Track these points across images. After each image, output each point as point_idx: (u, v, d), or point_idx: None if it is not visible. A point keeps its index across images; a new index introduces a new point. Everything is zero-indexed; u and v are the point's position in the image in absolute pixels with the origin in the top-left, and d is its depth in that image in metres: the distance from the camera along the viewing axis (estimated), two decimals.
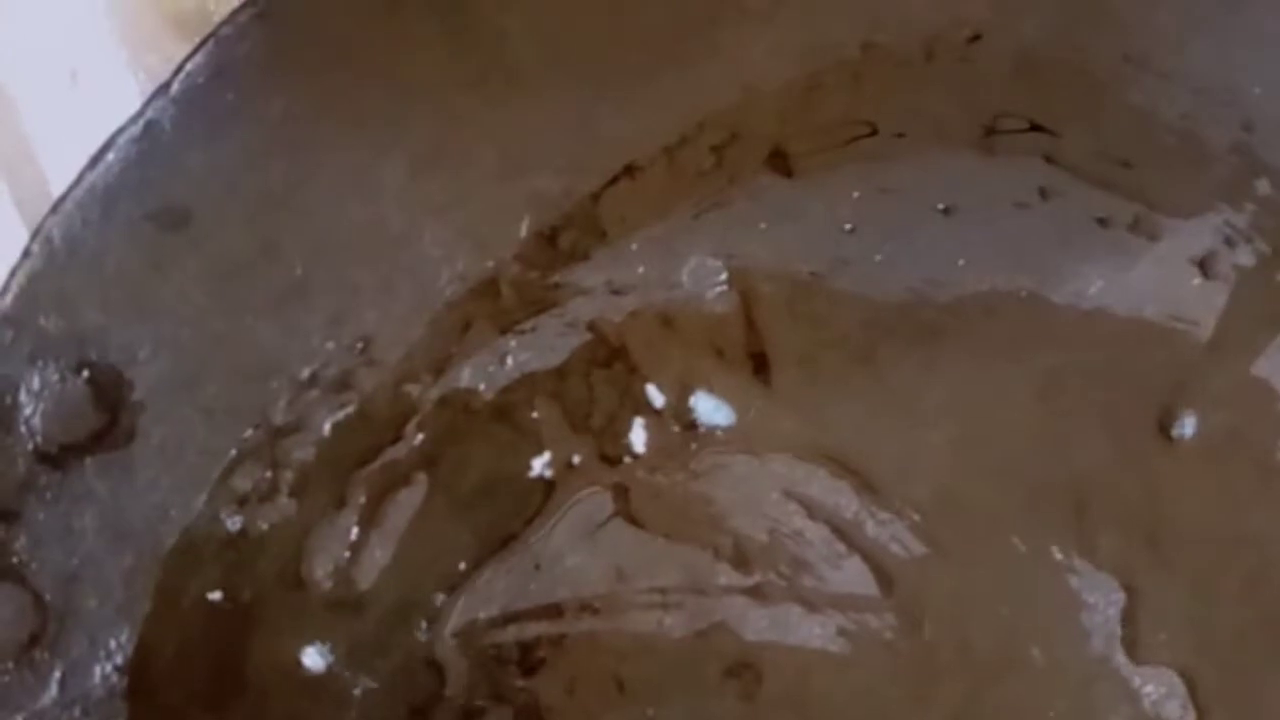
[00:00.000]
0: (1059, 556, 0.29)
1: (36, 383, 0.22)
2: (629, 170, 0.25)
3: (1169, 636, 0.29)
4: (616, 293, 0.25)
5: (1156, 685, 0.29)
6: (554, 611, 0.26)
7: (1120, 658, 0.28)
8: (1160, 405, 0.29)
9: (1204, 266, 0.29)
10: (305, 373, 0.23)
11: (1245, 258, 0.28)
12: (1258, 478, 0.29)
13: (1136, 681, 0.28)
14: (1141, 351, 0.29)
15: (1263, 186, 0.28)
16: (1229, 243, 0.28)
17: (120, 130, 0.21)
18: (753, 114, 0.25)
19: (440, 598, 0.25)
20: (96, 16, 0.26)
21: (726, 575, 0.27)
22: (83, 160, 0.23)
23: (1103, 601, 0.29)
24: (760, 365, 0.26)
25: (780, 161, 0.25)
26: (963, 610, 0.28)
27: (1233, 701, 0.29)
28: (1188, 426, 0.29)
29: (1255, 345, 0.29)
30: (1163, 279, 0.29)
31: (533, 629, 0.25)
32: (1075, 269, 0.28)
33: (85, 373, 0.22)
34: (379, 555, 0.24)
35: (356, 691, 0.24)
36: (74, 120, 0.25)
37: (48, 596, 0.22)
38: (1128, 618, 0.28)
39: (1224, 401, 0.29)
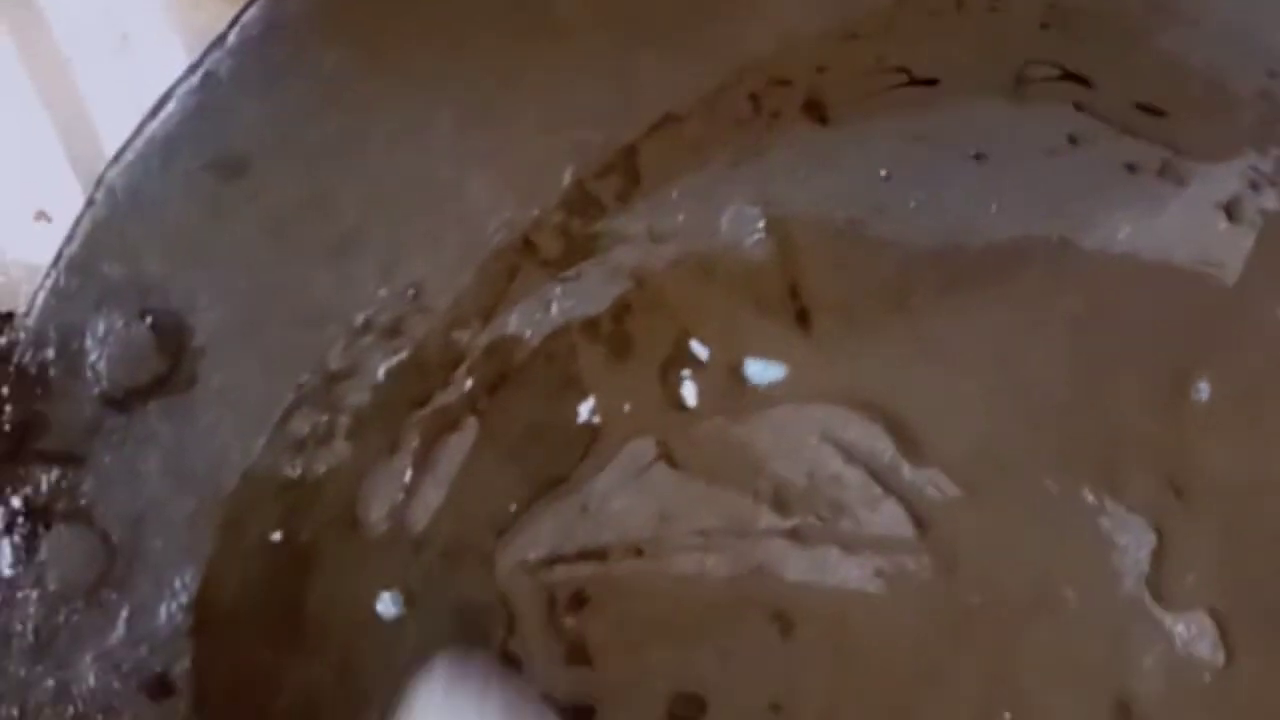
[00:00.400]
0: (1090, 499, 0.29)
1: (101, 329, 0.22)
2: (668, 119, 0.25)
3: (1199, 578, 0.29)
4: (657, 240, 0.26)
5: (1188, 625, 0.29)
6: (600, 553, 0.26)
7: (1151, 599, 0.29)
8: (1189, 350, 0.29)
9: (1230, 211, 0.29)
10: (359, 319, 0.24)
11: (1271, 202, 0.29)
12: None
13: (1168, 622, 0.29)
14: (1170, 296, 0.29)
15: None
16: (1254, 187, 0.29)
17: (179, 81, 0.22)
18: (789, 62, 0.25)
19: (491, 539, 0.25)
20: None
21: (766, 518, 0.28)
22: (135, 119, 0.24)
23: (1134, 544, 0.29)
24: (800, 313, 0.27)
25: (816, 110, 0.26)
26: (996, 552, 0.29)
27: (1263, 642, 0.29)
28: (1215, 372, 0.30)
29: None
30: (1190, 224, 0.29)
31: (580, 570, 0.26)
32: (1105, 215, 0.29)
33: (148, 319, 0.22)
34: (432, 498, 0.25)
35: (411, 629, 0.25)
36: (125, 81, 0.26)
37: (115, 537, 0.23)
38: (1158, 559, 0.29)
39: (1251, 344, 0.29)
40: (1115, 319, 0.29)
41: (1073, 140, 0.28)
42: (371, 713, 0.24)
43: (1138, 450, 0.29)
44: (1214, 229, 0.29)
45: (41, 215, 0.25)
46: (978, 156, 0.27)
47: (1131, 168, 0.28)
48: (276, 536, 0.24)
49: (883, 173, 0.27)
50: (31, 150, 0.26)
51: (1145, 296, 0.29)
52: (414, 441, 0.25)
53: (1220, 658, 0.29)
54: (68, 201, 0.26)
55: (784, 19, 0.25)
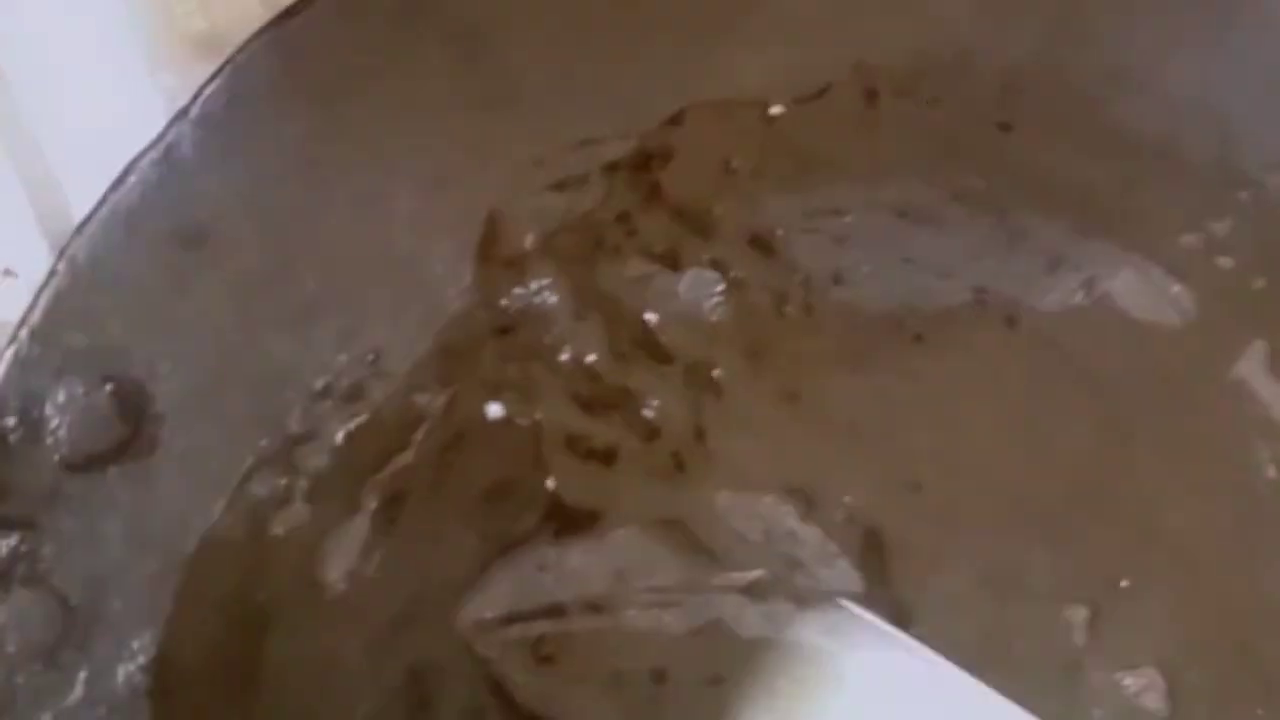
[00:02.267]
0: (1043, 554, 0.30)
1: (62, 396, 0.22)
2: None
3: (1148, 631, 0.30)
4: None
5: (1136, 678, 0.30)
6: (558, 611, 0.27)
7: (1101, 653, 0.30)
8: (1144, 405, 0.30)
9: (1183, 274, 0.30)
10: (319, 384, 0.24)
11: (1225, 264, 0.29)
12: (1238, 480, 0.30)
13: (1118, 675, 0.30)
14: (1122, 354, 0.30)
15: (1243, 197, 0.29)
16: (1208, 250, 0.29)
17: (141, 154, 0.22)
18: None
19: (449, 598, 0.26)
20: (114, 41, 0.26)
21: (722, 575, 0.28)
22: (101, 176, 0.24)
23: (1085, 597, 0.30)
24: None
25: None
26: (950, 607, 0.29)
27: (1208, 692, 0.30)
28: (1165, 425, 0.30)
29: (1233, 350, 0.30)
30: (1143, 287, 0.30)
31: (538, 627, 0.26)
32: (1060, 278, 0.29)
33: (109, 386, 0.23)
34: (390, 558, 0.25)
35: (369, 687, 0.25)
36: (95, 142, 0.26)
37: (74, 601, 0.23)
38: (1109, 614, 0.30)
39: (1202, 406, 0.30)
40: (1071, 375, 0.30)
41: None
42: None
43: (1092, 504, 0.30)
44: (1167, 291, 0.30)
45: (7, 273, 0.26)
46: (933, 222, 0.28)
47: (1084, 232, 0.29)
48: (235, 597, 0.24)
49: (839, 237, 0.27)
50: None
51: (1098, 353, 0.30)
52: (373, 503, 0.25)
53: (1167, 709, 0.29)
54: (34, 258, 0.26)
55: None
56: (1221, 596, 0.30)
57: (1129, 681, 0.30)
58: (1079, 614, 0.30)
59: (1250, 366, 0.30)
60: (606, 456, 0.26)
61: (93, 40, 0.27)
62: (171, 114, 0.24)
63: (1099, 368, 0.30)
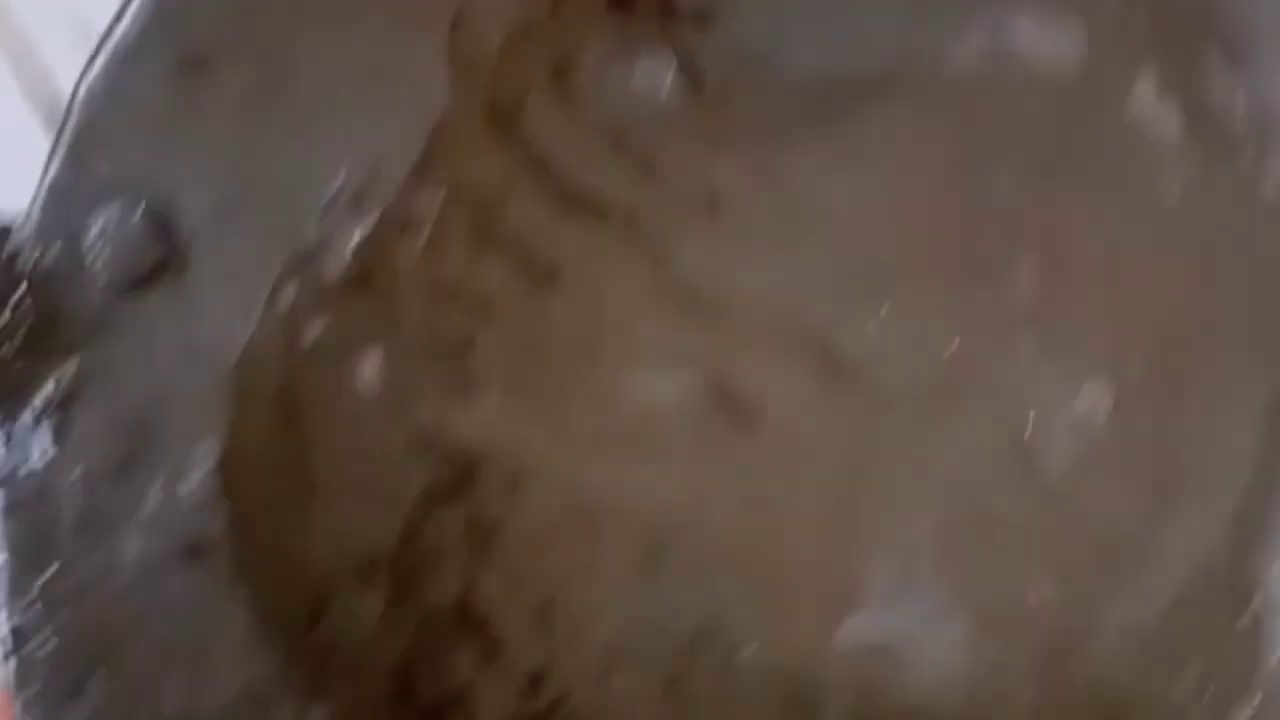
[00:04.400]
0: (984, 290, 0.33)
1: (100, 223, 0.24)
2: None
3: (1090, 343, 0.33)
4: None
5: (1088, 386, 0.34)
6: None
7: (1049, 366, 0.33)
8: (1057, 148, 0.33)
9: (1075, 12, 0.33)
10: (328, 193, 0.26)
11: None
12: (1147, 204, 0.33)
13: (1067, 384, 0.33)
14: (1031, 103, 0.33)
15: None
16: None
17: None
18: None
19: None
20: None
21: None
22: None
23: (1027, 320, 0.33)
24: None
25: None
26: (901, 348, 0.33)
27: (1149, 395, 0.33)
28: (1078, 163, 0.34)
29: (1127, 80, 0.33)
30: (1040, 30, 0.33)
31: None
32: (968, 33, 0.32)
33: (140, 210, 0.24)
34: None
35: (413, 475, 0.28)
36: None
37: (136, 417, 0.25)
38: (1053, 329, 0.33)
39: (1107, 138, 0.33)
40: (987, 130, 0.33)
41: None
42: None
43: (1029, 239, 0.33)
44: (1060, 33, 0.33)
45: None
46: None
47: None
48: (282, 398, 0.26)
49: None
50: None
51: (1010, 104, 0.33)
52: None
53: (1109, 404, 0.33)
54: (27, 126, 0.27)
55: None
56: (1146, 314, 0.34)
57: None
58: (1026, 342, 0.33)
59: (1143, 94, 0.34)
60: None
61: None
62: None
63: (1013, 119, 0.33)
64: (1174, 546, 0.33)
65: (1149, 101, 0.34)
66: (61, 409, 0.24)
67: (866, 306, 0.32)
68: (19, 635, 0.24)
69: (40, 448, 0.24)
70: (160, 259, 0.24)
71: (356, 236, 0.26)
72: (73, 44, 0.27)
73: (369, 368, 0.27)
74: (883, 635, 0.32)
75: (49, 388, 0.24)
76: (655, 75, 0.29)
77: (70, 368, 0.24)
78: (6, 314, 0.23)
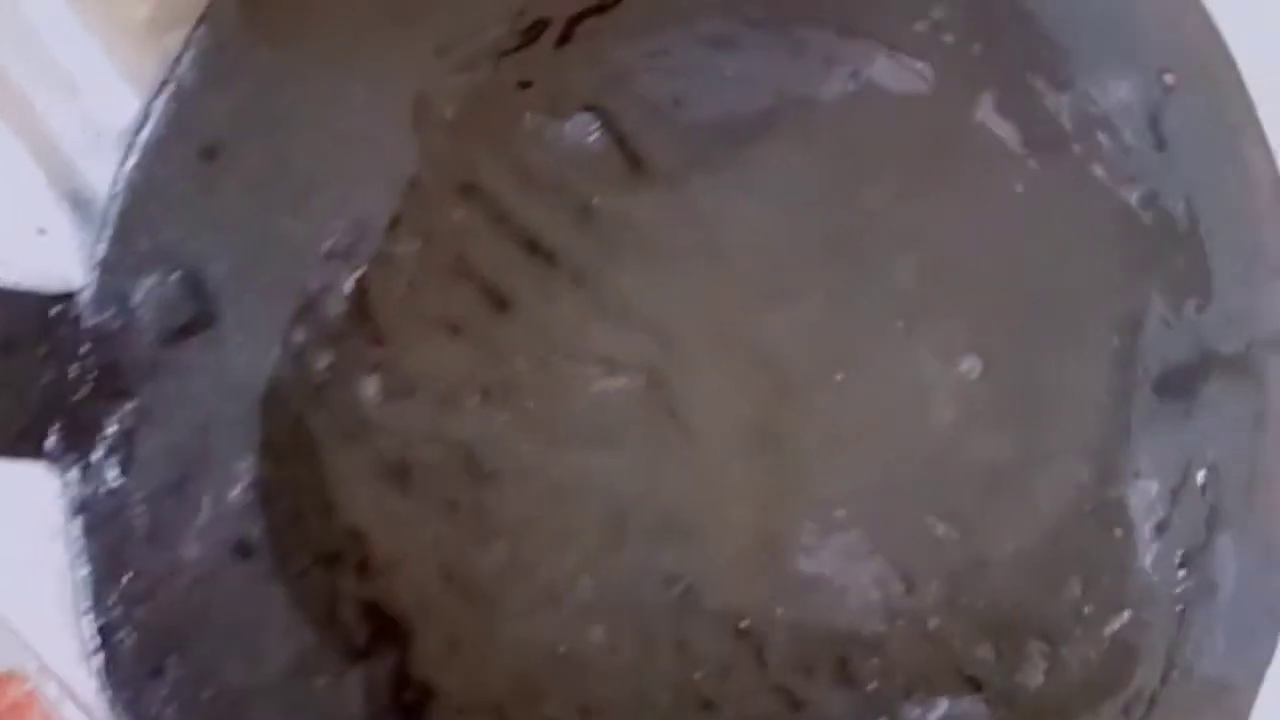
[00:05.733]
0: (872, 285, 0.39)
1: (143, 288, 0.29)
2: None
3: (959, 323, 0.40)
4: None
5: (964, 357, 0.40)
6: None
7: (927, 344, 0.39)
8: (921, 160, 0.39)
9: (922, 53, 0.39)
10: (325, 248, 0.32)
11: (949, 39, 0.39)
12: (999, 200, 0.40)
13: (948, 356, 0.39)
14: (892, 124, 0.39)
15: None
16: (935, 31, 0.39)
17: (155, 94, 0.29)
18: None
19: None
20: (76, 37, 0.33)
21: None
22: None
23: (904, 311, 0.39)
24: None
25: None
26: (804, 339, 0.38)
27: (1016, 357, 0.40)
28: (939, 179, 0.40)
29: (971, 102, 0.40)
30: (895, 68, 0.39)
31: None
32: (834, 73, 0.39)
33: (176, 275, 0.30)
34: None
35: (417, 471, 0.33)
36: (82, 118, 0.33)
37: (184, 443, 0.30)
38: (928, 313, 0.39)
39: (962, 150, 0.40)
40: (861, 147, 0.39)
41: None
42: None
43: (904, 245, 0.39)
44: (912, 68, 0.39)
45: (41, 231, 0.32)
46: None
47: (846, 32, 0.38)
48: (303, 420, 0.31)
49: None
50: (11, 179, 0.32)
51: (876, 125, 0.39)
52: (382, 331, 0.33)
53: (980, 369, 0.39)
54: (58, 217, 0.32)
55: None
56: (1005, 290, 0.40)
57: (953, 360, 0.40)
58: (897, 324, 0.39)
59: (985, 112, 0.41)
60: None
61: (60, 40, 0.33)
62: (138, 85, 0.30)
63: (880, 138, 0.39)
64: (1047, 480, 0.39)
65: (991, 116, 0.41)
66: (125, 443, 0.29)
67: (774, 307, 0.38)
68: (105, 633, 0.29)
69: (110, 477, 0.29)
70: (194, 314, 0.30)
71: (350, 282, 0.32)
72: (91, 142, 0.32)
73: (369, 387, 0.32)
74: (813, 577, 0.38)
75: (113, 426, 0.29)
76: (583, 129, 0.36)
77: (129, 408, 0.29)
78: (76, 367, 0.29)
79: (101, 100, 0.32)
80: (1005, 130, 0.40)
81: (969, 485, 0.39)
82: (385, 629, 0.32)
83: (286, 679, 0.30)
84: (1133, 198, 0.40)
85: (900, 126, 0.39)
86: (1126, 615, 0.39)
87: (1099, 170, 0.40)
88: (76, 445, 0.29)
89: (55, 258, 0.31)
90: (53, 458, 0.29)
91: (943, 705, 0.38)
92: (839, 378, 0.38)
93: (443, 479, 0.33)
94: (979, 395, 0.39)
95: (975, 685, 0.38)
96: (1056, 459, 0.40)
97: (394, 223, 0.32)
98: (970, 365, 0.40)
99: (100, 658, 0.29)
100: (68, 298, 0.29)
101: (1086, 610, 0.39)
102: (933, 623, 0.38)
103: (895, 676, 0.38)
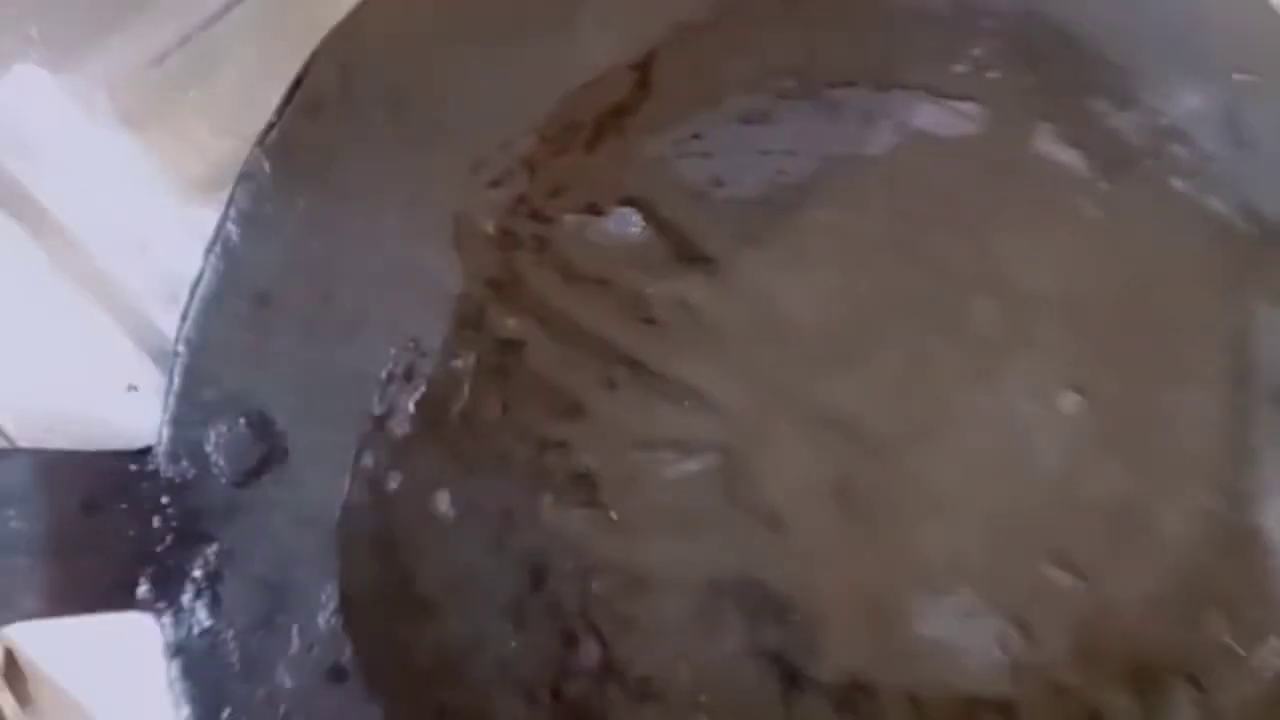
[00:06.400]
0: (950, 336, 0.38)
1: (214, 436, 0.31)
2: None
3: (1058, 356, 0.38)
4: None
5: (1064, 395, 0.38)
6: None
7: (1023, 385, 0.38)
8: (984, 198, 0.39)
9: (968, 94, 0.39)
10: (383, 373, 0.33)
11: (995, 76, 0.38)
12: (1070, 224, 0.38)
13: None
14: (950, 168, 0.39)
15: (985, 24, 0.38)
16: (978, 69, 0.38)
17: (209, 249, 0.31)
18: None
19: None
20: (141, 197, 0.36)
21: None
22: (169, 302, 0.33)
23: (995, 350, 0.38)
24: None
25: None
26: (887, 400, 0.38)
27: (1120, 389, 0.38)
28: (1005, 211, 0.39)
29: (1026, 135, 0.39)
30: (941, 113, 0.39)
31: None
32: (877, 128, 0.38)
33: (243, 420, 0.31)
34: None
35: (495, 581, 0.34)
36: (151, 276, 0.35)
37: (270, 578, 0.31)
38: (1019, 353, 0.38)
39: (1026, 183, 0.38)
40: (920, 196, 0.38)
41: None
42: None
43: (977, 284, 0.38)
44: (959, 111, 0.39)
45: (131, 388, 0.34)
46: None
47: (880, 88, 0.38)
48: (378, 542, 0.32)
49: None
50: (98, 340, 0.35)
51: (934, 171, 0.38)
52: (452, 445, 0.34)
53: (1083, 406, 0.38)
54: (146, 372, 0.34)
55: None
56: (1095, 319, 0.38)
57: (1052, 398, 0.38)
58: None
59: (1044, 142, 0.39)
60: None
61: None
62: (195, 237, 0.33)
63: (936, 186, 0.39)
64: (1172, 512, 0.37)
65: (1051, 146, 0.40)
66: (212, 584, 0.30)
67: (845, 373, 0.37)
68: None
69: (201, 618, 0.30)
70: (265, 454, 0.31)
71: (412, 403, 0.33)
72: (168, 298, 0.35)
73: (442, 501, 0.33)
74: (927, 641, 0.36)
75: (199, 570, 0.30)
76: (625, 222, 0.36)
77: (212, 551, 0.31)
78: (158, 518, 0.30)
79: (172, 257, 0.35)
80: (1069, 156, 0.39)
81: (1084, 528, 0.37)
82: None
83: None
84: (1220, 205, 0.38)
85: (956, 170, 0.38)
86: (1272, 641, 0.36)
87: (1178, 183, 0.39)
88: (166, 592, 0.30)
89: (148, 411, 0.33)
90: (145, 606, 0.30)
91: None
92: (926, 434, 0.37)
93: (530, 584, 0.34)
94: (1084, 432, 0.38)
95: None
96: (1179, 489, 0.37)
97: (448, 340, 0.33)
98: (1070, 402, 0.38)
99: None
100: (145, 452, 0.31)
101: (1233, 646, 0.37)
102: (1064, 676, 0.36)
103: None
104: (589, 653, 0.33)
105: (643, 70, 0.35)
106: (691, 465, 0.36)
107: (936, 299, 0.38)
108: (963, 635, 0.37)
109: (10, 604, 0.28)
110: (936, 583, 0.37)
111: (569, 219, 0.35)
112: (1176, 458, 0.38)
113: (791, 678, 0.35)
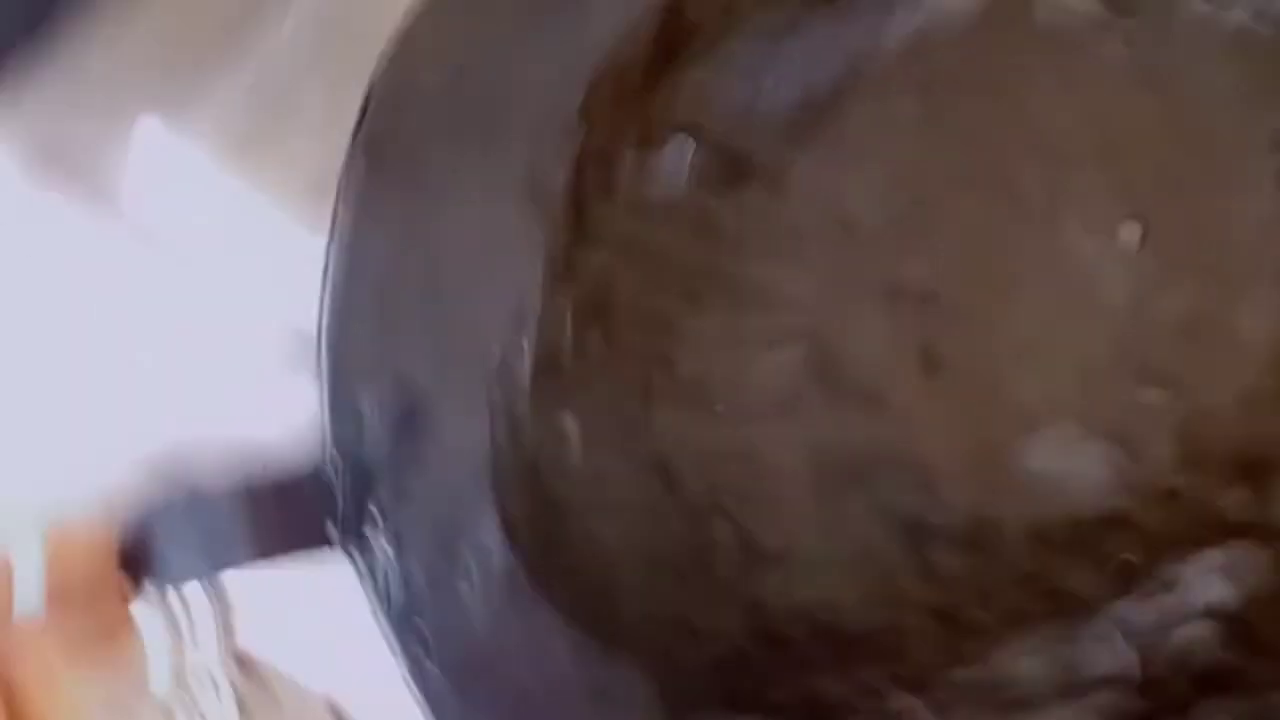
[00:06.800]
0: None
1: (366, 396, 0.35)
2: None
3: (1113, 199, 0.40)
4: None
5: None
6: None
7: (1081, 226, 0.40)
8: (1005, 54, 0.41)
9: None
10: (496, 323, 0.37)
11: None
12: (1103, 74, 0.41)
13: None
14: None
15: None
16: None
17: (328, 245, 0.36)
18: None
19: None
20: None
21: None
22: None
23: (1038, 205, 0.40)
24: None
25: None
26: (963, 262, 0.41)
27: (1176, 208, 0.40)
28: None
29: None
30: None
31: None
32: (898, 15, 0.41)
33: (388, 380, 0.35)
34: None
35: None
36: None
37: (437, 511, 0.35)
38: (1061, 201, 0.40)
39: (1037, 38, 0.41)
40: (944, 72, 0.41)
41: None
42: None
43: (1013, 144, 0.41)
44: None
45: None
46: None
47: None
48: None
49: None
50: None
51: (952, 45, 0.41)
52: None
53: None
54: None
55: None
56: (1139, 150, 0.40)
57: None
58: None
59: None
60: None
61: None
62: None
63: (961, 59, 0.41)
64: (1248, 314, 0.39)
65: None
66: (389, 522, 0.35)
67: (912, 251, 0.40)
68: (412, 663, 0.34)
69: (387, 552, 0.35)
70: (410, 404, 0.35)
71: (526, 343, 0.37)
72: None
73: (569, 424, 0.37)
74: (1036, 474, 0.39)
75: (376, 510, 0.35)
76: (680, 149, 0.40)
77: (385, 492, 0.35)
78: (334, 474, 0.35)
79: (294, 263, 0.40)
80: (1086, 5, 0.41)
81: (1165, 344, 0.39)
82: None
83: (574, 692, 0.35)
84: (1239, 15, 0.40)
85: (975, 40, 0.41)
86: None
87: (1197, 4, 0.41)
88: (354, 532, 0.34)
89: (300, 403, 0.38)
90: (339, 545, 0.34)
91: (1214, 558, 0.38)
92: (998, 292, 0.40)
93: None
94: (1147, 256, 0.40)
95: (1241, 531, 0.38)
96: (1248, 290, 0.39)
97: (544, 285, 0.38)
98: (1130, 231, 0.40)
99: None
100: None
101: None
102: (1174, 482, 0.39)
103: (1152, 543, 0.38)
104: (721, 531, 0.37)
105: (675, 8, 0.39)
106: (782, 355, 0.39)
107: (984, 167, 0.41)
108: (1070, 463, 0.39)
109: (215, 554, 0.33)
110: (1036, 422, 0.39)
111: (630, 156, 0.39)
112: (1240, 262, 0.39)
113: (917, 528, 0.38)
